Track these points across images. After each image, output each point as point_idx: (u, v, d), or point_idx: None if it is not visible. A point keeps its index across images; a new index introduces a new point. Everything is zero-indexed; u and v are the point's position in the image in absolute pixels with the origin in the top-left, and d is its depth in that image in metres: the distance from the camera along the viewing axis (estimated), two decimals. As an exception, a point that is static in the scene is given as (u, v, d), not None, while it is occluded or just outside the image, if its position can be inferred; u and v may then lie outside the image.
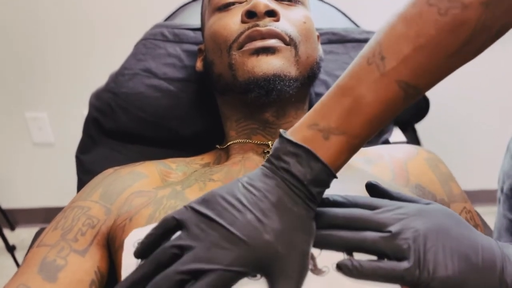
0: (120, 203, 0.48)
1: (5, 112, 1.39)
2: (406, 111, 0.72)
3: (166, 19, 0.79)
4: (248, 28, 0.50)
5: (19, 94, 1.36)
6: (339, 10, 0.83)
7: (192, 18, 0.78)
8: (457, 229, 0.36)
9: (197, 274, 0.31)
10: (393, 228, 0.34)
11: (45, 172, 1.51)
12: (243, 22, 0.52)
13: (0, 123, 1.41)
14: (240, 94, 0.51)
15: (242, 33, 0.51)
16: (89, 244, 0.44)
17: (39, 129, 1.42)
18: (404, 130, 0.75)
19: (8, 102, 1.37)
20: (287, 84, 0.49)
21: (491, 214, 1.79)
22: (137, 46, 0.72)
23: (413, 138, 0.74)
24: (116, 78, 0.68)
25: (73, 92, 1.33)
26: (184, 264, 0.31)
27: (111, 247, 0.46)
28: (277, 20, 0.51)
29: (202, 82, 0.66)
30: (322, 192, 0.36)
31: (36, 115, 1.39)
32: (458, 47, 0.33)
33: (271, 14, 0.51)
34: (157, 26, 0.75)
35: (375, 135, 0.37)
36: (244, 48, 0.50)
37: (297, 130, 0.36)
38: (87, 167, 0.66)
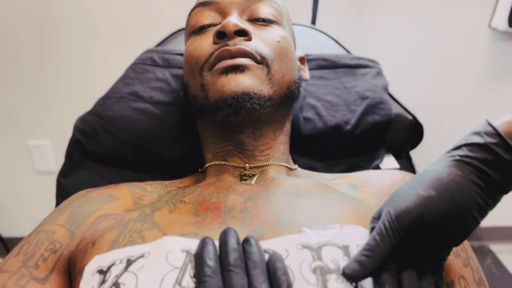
0: (86, 226, 0.46)
1: (8, 139, 1.41)
2: (398, 137, 0.71)
3: (158, 45, 0.80)
4: (219, 48, 0.50)
5: (22, 122, 1.38)
6: (331, 37, 0.83)
7: (184, 44, 0.78)
8: None
9: None
10: None
11: (46, 201, 1.50)
12: (214, 43, 0.52)
13: (3, 150, 1.42)
14: (212, 115, 0.50)
15: (212, 53, 0.50)
16: (50, 271, 0.42)
17: (41, 157, 1.43)
18: (398, 158, 0.72)
19: (11, 130, 1.39)
20: (257, 102, 0.48)
21: (508, 253, 1.69)
22: (126, 71, 0.73)
23: (407, 166, 0.71)
24: (103, 101, 0.68)
25: (76, 120, 1.34)
26: None
27: (71, 272, 0.43)
28: (249, 40, 0.51)
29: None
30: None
31: (39, 143, 1.41)
32: None
33: (242, 33, 0.51)
34: (147, 51, 0.76)
35: None
36: (214, 68, 0.50)
37: None
38: (66, 190, 0.64)
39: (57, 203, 0.65)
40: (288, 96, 0.53)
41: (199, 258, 0.34)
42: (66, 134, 0.68)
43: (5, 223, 1.51)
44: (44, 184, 1.47)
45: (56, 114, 1.36)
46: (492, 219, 1.71)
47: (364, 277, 0.34)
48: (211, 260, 0.33)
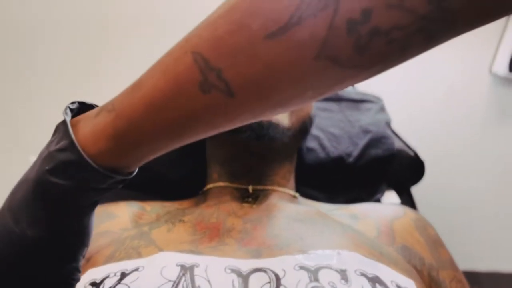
0: None
1: (9, 154, 1.41)
2: (400, 173, 0.71)
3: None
4: None
5: (23, 138, 1.39)
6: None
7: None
8: None
9: None
10: None
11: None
12: None
13: (4, 165, 1.42)
14: (232, 132, 0.50)
15: None
16: None
17: (40, 173, 1.42)
18: (400, 194, 0.72)
19: (12, 145, 1.39)
20: (280, 132, 0.49)
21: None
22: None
23: (408, 202, 0.71)
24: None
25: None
26: None
27: None
28: None
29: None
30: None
31: (40, 159, 1.40)
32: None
33: None
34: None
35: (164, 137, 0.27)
36: None
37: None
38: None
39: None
40: (301, 130, 0.55)
41: None
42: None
43: None
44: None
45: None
46: (485, 263, 1.67)
47: None
48: None
